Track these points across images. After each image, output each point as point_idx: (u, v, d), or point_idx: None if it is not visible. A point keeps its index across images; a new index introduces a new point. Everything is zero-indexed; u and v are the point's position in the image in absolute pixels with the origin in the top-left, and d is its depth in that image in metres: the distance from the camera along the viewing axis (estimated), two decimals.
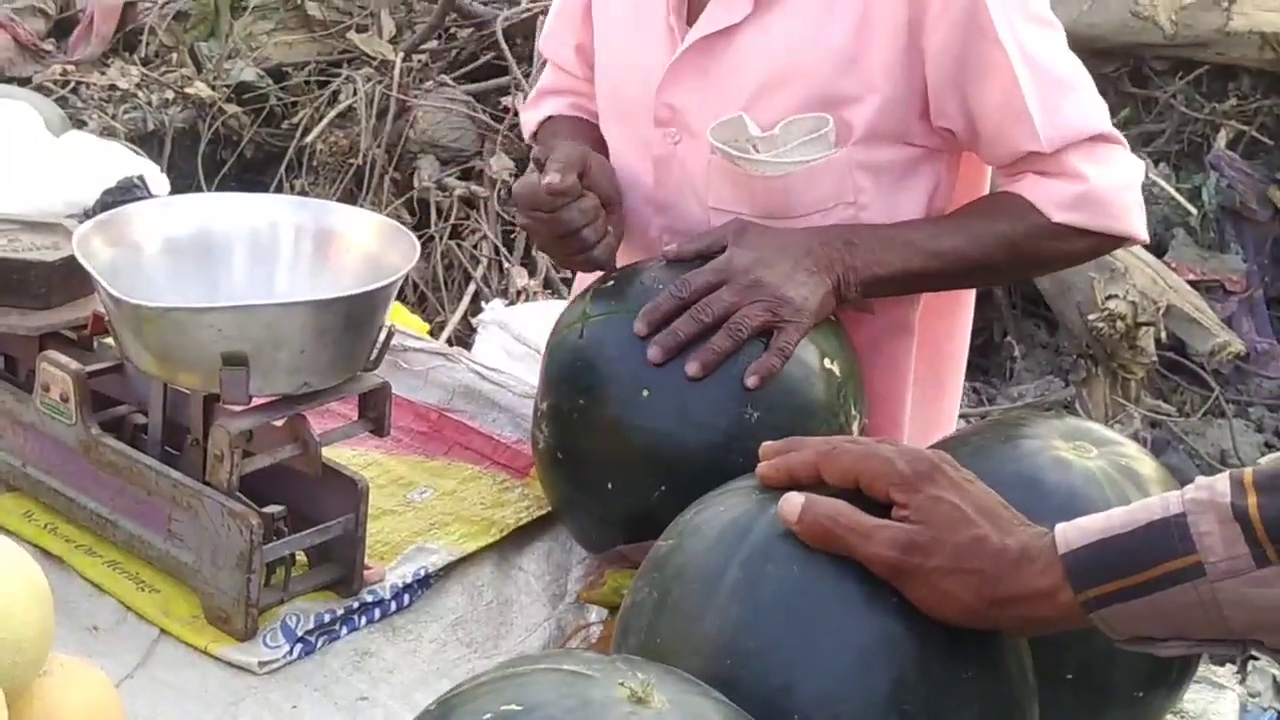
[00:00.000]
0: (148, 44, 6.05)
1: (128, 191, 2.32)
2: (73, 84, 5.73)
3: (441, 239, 4.90)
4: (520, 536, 1.74)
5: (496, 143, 5.04)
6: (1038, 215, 1.71)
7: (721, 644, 1.10)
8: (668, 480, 1.54)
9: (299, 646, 1.52)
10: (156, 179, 2.53)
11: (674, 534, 1.20)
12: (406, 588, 1.62)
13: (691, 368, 1.54)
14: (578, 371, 1.60)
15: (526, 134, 2.11)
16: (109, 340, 1.63)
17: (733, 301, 1.57)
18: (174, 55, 5.96)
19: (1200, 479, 1.07)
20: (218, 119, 5.54)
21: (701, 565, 1.14)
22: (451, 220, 4.94)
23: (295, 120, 5.48)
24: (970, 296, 1.96)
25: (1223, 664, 1.61)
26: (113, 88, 5.70)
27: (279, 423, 1.55)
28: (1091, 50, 4.31)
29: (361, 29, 5.68)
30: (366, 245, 1.64)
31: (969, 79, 1.69)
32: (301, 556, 1.58)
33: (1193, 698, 1.50)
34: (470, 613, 1.63)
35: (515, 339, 2.94)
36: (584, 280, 1.85)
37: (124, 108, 5.60)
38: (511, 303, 4.09)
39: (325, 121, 5.29)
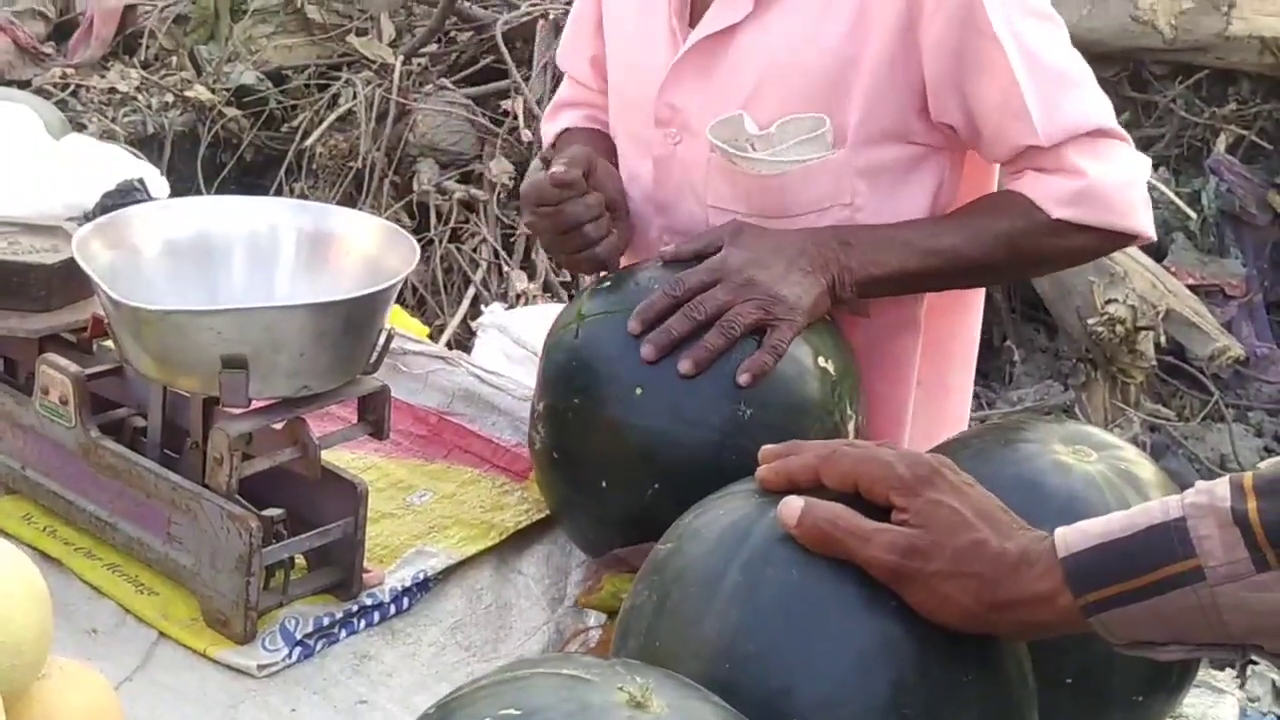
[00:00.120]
0: (148, 47, 6.06)
1: (127, 194, 2.31)
2: (73, 87, 5.74)
3: (441, 242, 4.90)
4: (519, 540, 1.74)
5: (496, 146, 5.04)
6: (1037, 212, 1.70)
7: (721, 647, 1.10)
8: (662, 478, 1.54)
9: (298, 650, 1.52)
10: (156, 182, 2.52)
11: (673, 537, 1.20)
12: (405, 591, 1.62)
13: (684, 365, 1.54)
14: (573, 371, 1.61)
15: (544, 147, 2.11)
16: (108, 343, 1.63)
17: (726, 300, 1.57)
18: (174, 58, 5.97)
19: (1200, 483, 1.06)
20: (217, 122, 5.55)
21: (701, 568, 1.14)
22: (451, 224, 4.94)
23: (295, 123, 5.48)
24: (977, 298, 1.95)
25: (1222, 668, 1.61)
26: (112, 91, 5.71)
27: (278, 426, 1.55)
28: (1091, 54, 4.29)
29: (361, 32, 5.69)
30: (366, 248, 1.64)
31: (967, 76, 1.68)
32: (300, 560, 1.58)
33: (1192, 702, 1.49)
34: (469, 616, 1.63)
35: (515, 342, 2.93)
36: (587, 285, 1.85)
37: (124, 111, 5.61)
38: (511, 306, 4.10)
39: (325, 125, 5.29)
